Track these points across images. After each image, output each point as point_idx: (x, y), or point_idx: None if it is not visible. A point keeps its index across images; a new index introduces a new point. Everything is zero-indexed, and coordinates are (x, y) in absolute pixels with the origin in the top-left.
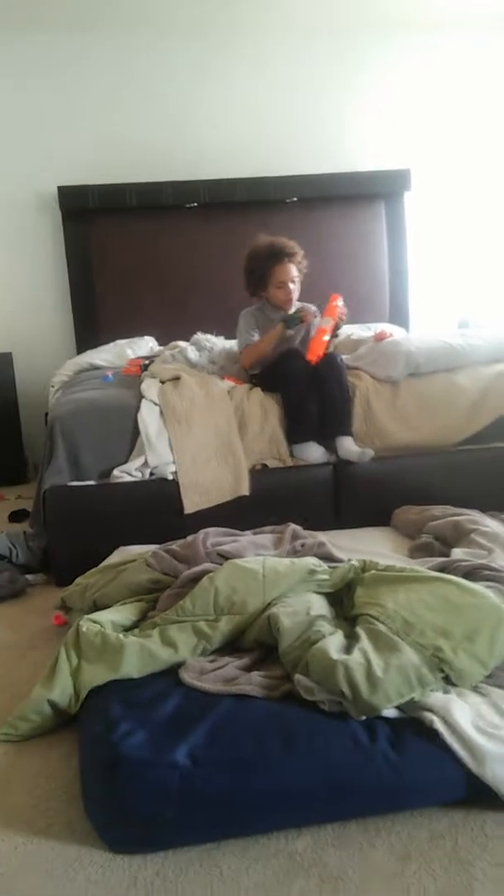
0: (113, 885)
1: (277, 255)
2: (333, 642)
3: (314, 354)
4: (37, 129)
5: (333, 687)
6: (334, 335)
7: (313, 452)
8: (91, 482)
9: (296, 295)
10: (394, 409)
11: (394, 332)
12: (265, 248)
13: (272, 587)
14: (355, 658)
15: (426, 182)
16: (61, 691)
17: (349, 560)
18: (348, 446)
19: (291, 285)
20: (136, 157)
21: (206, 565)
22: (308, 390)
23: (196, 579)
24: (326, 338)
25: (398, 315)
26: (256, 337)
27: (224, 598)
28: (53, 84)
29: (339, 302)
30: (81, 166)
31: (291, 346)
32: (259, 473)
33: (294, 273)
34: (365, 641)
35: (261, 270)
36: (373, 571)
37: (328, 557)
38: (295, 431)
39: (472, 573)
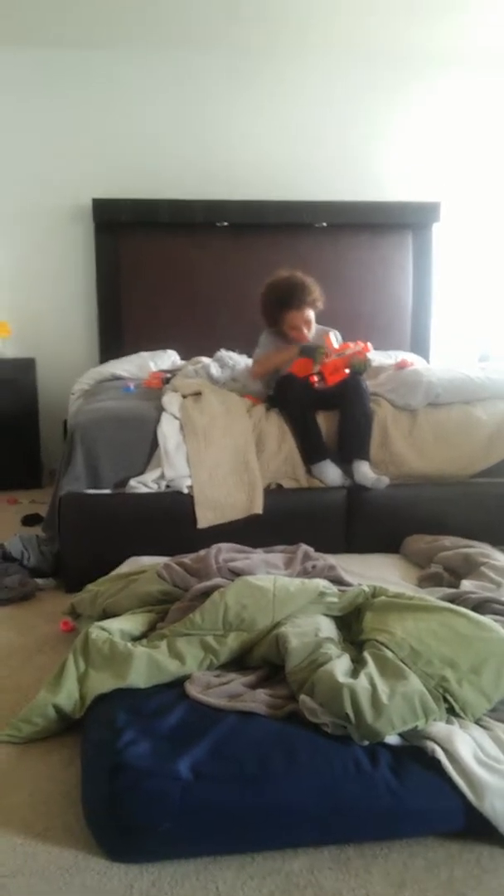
0: (108, 891)
1: (291, 302)
2: (340, 665)
3: (299, 371)
4: (75, 141)
5: (338, 710)
6: (347, 374)
7: (330, 472)
8: (107, 491)
9: (311, 333)
10: (411, 437)
11: (414, 361)
12: (280, 291)
13: (282, 606)
14: (361, 683)
15: (455, 214)
16: (67, 696)
17: (359, 585)
18: (365, 471)
19: (306, 329)
20: (169, 174)
21: (217, 580)
22: (310, 411)
23: (206, 594)
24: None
25: (419, 345)
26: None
27: (233, 614)
28: (93, 99)
29: (358, 346)
30: (116, 180)
31: (287, 373)
32: (273, 493)
33: (309, 317)
34: (371, 667)
35: (275, 312)
36: (382, 598)
37: (338, 581)
38: (307, 452)
39: (481, 606)
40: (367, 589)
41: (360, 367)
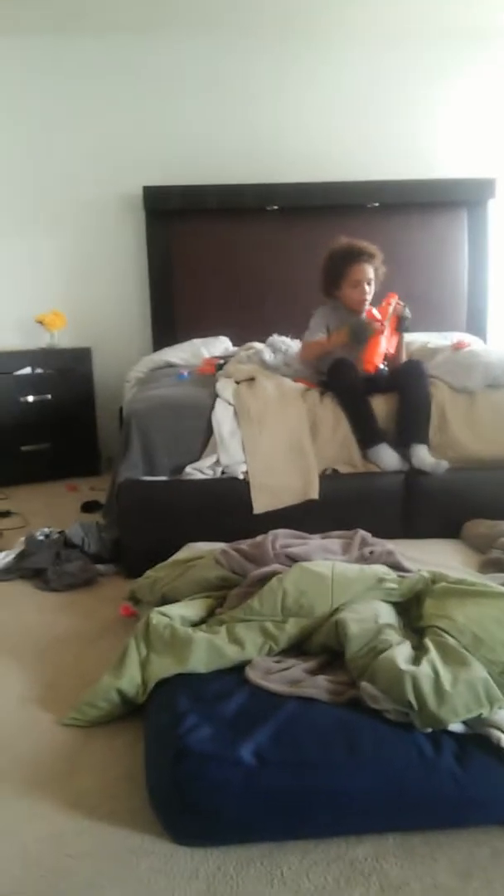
0: (175, 875)
1: (355, 255)
2: (401, 652)
3: (370, 364)
4: (125, 130)
5: (400, 697)
6: (400, 334)
7: (386, 456)
8: (164, 478)
9: (370, 297)
10: (469, 420)
11: (471, 342)
12: (344, 247)
13: (340, 593)
14: (423, 670)
15: None
16: (129, 681)
17: (419, 571)
18: (423, 455)
19: (367, 287)
20: (218, 160)
21: (275, 566)
22: (363, 395)
23: (264, 580)
24: (383, 345)
25: (475, 325)
26: (322, 335)
27: (292, 600)
28: (141, 86)
29: (393, 301)
30: (166, 168)
31: (341, 356)
32: (329, 478)
33: (370, 274)
34: (433, 654)
35: (337, 268)
36: (443, 584)
37: (397, 567)
38: (362, 437)
39: None
40: (426, 575)
41: (406, 316)
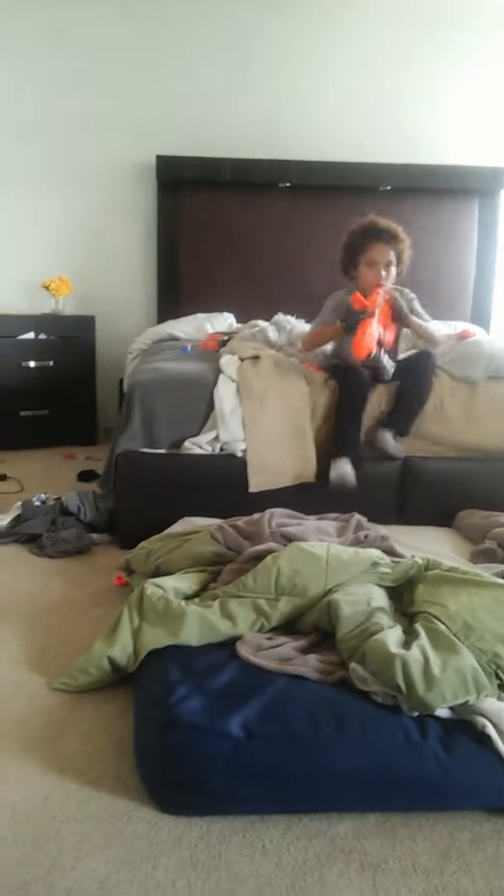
0: (158, 842)
1: (376, 234)
2: (392, 636)
3: (358, 349)
4: (140, 97)
5: (389, 680)
6: (398, 326)
7: (343, 472)
8: (162, 450)
9: (388, 282)
10: (468, 410)
11: (476, 332)
12: (366, 224)
13: (334, 574)
14: (413, 654)
15: None
16: (121, 649)
17: (412, 557)
18: (388, 438)
19: (383, 271)
20: (233, 133)
21: (270, 544)
22: (360, 408)
23: (259, 557)
24: (374, 331)
25: (480, 316)
26: (331, 322)
27: (286, 579)
28: (159, 54)
29: (381, 290)
30: (180, 138)
31: (354, 366)
32: (326, 462)
33: (390, 256)
34: (424, 639)
35: (356, 245)
36: (436, 571)
37: (391, 551)
38: (335, 443)
39: None
40: (420, 561)
41: (400, 306)
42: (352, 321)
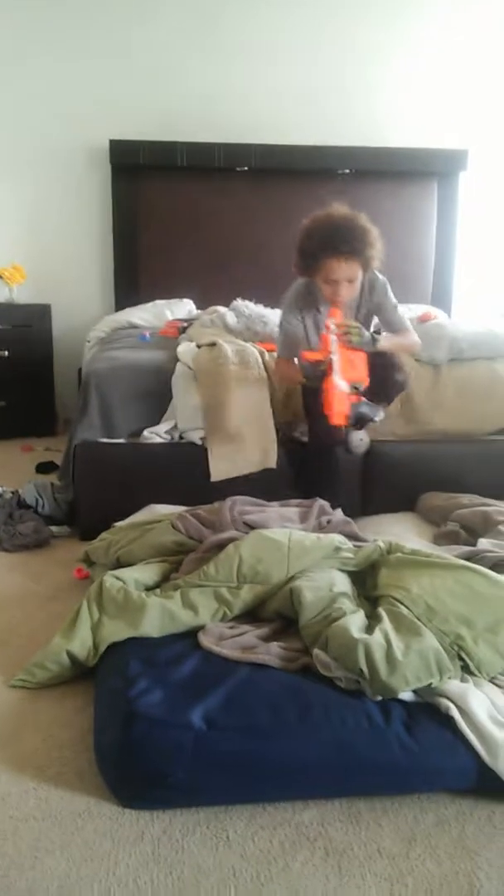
0: (120, 837)
1: (333, 248)
2: (355, 621)
3: (332, 419)
4: (93, 81)
5: (352, 665)
6: (360, 349)
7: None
8: (121, 440)
9: (349, 295)
10: (432, 393)
11: (437, 315)
12: (324, 232)
13: (296, 560)
14: (376, 638)
15: (484, 163)
16: (81, 643)
17: (374, 540)
18: (354, 438)
19: (344, 288)
20: (189, 117)
21: (232, 532)
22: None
23: (221, 546)
24: (341, 387)
25: (440, 299)
26: (297, 325)
27: (248, 566)
28: (110, 37)
29: (332, 324)
30: (135, 122)
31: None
32: (288, 448)
33: (352, 273)
34: (386, 623)
35: (312, 257)
36: (398, 554)
37: (353, 536)
38: (302, 489)
39: (499, 565)
40: (382, 545)
41: (358, 339)
42: (311, 376)
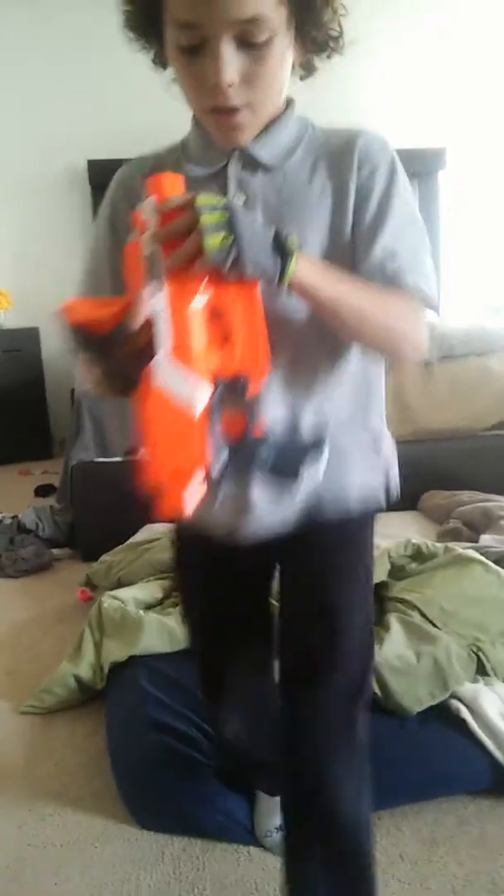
0: (140, 859)
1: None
2: None
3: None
4: (69, 102)
5: None
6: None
7: None
8: (117, 458)
9: (256, 115)
10: (425, 391)
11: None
12: None
13: None
14: (389, 659)
15: (462, 161)
16: (87, 666)
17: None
18: None
19: (227, 73)
20: (167, 131)
21: None
22: None
23: None
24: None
25: None
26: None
27: None
28: (87, 57)
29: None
30: (113, 142)
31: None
32: None
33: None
34: (396, 632)
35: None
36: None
37: None
38: None
39: (502, 560)
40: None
41: (222, 246)
42: (99, 355)
